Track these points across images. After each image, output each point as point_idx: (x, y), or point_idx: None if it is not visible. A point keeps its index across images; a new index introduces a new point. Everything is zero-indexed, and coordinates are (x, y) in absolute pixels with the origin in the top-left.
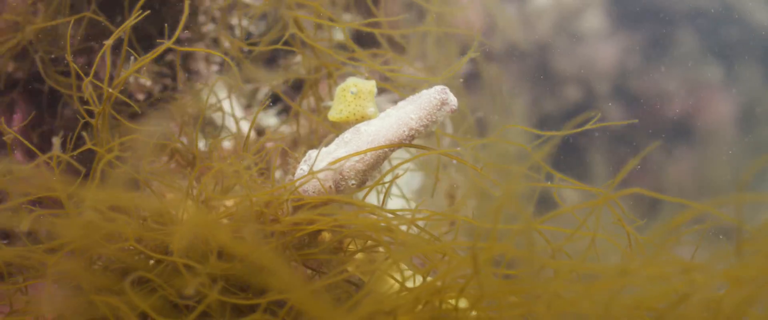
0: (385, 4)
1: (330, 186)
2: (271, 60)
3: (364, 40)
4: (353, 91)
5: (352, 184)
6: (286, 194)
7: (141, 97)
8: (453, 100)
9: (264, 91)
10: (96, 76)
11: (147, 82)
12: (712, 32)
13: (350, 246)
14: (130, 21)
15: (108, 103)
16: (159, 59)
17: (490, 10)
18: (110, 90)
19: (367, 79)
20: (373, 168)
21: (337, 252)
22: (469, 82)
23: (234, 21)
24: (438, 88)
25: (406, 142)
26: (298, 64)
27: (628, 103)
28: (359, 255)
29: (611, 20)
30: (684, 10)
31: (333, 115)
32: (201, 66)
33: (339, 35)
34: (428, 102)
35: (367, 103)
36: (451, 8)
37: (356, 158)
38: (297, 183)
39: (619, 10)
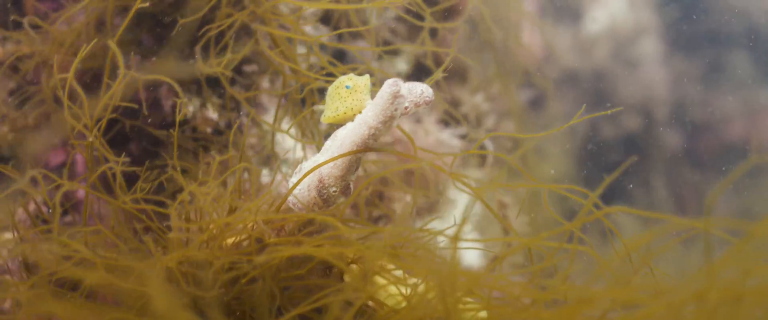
0: (443, 36)
1: (315, 196)
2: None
3: (425, 70)
4: (349, 86)
5: (334, 191)
6: (274, 208)
7: (208, 129)
8: (417, 91)
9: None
10: (160, 108)
11: (214, 114)
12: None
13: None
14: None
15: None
16: (223, 92)
17: (547, 37)
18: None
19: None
20: (350, 172)
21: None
22: (534, 107)
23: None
24: (389, 81)
25: (369, 141)
26: None
27: (686, 128)
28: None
29: (666, 45)
30: (739, 32)
31: (328, 115)
32: (264, 98)
33: (402, 65)
34: (380, 98)
35: (364, 96)
36: (511, 34)
37: (331, 165)
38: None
39: (674, 35)
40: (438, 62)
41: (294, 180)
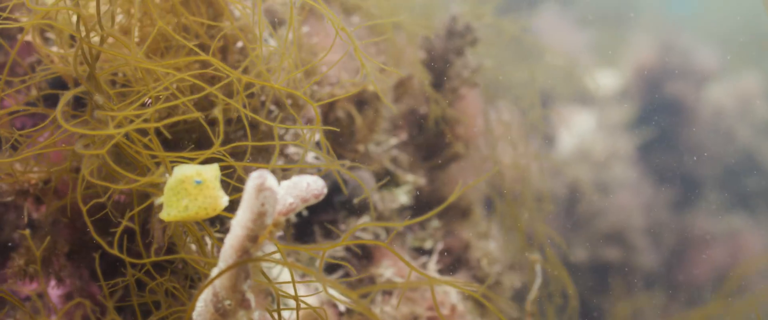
0: (448, 168)
1: (212, 312)
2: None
3: (427, 204)
4: (198, 181)
5: (229, 304)
6: None
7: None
8: (302, 185)
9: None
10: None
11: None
12: (735, 182)
13: None
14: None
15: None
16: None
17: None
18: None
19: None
20: (240, 281)
21: None
22: None
23: None
24: (252, 174)
25: (247, 243)
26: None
27: (662, 254)
28: None
29: (639, 172)
30: (707, 162)
31: (172, 214)
32: None
33: (403, 198)
34: (246, 194)
35: (216, 192)
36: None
37: (218, 280)
38: None
39: (646, 164)
40: (434, 194)
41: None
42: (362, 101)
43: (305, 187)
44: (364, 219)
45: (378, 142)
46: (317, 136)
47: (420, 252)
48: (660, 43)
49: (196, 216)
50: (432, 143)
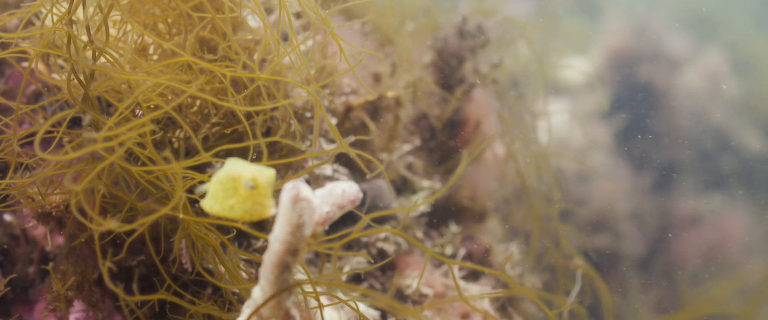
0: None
1: None
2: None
3: (444, 209)
4: (250, 186)
5: None
6: None
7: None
8: (337, 192)
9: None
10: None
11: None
12: (710, 164)
13: None
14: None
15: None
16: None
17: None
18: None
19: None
20: (283, 299)
21: None
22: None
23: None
24: (286, 186)
25: (287, 258)
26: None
27: (646, 239)
28: None
29: (617, 159)
30: (683, 146)
31: (216, 208)
32: None
33: (421, 206)
34: (282, 207)
35: (267, 200)
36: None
37: (262, 295)
38: None
39: (623, 151)
40: (450, 199)
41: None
42: (377, 108)
43: (340, 194)
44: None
45: (392, 150)
46: (332, 146)
47: (439, 261)
48: (631, 28)
49: (240, 218)
50: (445, 147)
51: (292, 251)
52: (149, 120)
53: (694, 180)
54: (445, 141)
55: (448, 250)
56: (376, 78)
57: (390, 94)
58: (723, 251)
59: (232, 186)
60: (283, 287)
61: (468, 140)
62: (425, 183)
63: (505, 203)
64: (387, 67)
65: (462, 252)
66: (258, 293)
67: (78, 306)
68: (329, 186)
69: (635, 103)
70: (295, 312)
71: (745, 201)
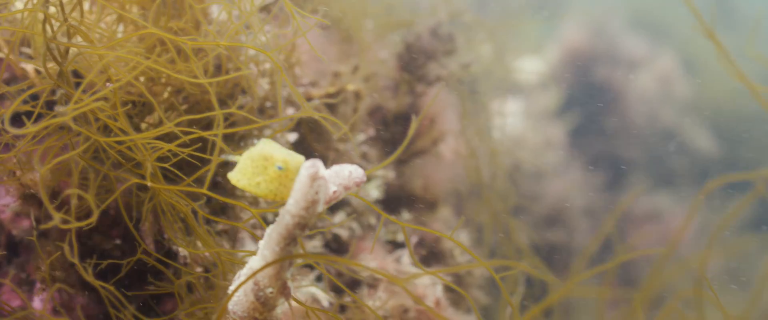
0: (414, 161)
1: (253, 300)
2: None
3: (398, 198)
4: (280, 168)
5: (271, 292)
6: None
7: (199, 270)
8: (344, 173)
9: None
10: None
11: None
12: (661, 162)
13: None
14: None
15: None
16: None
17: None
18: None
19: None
20: (284, 269)
21: None
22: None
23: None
24: (305, 163)
25: (295, 231)
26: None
27: (598, 236)
28: None
29: (570, 158)
30: (635, 144)
31: (242, 182)
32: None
33: (374, 192)
34: (299, 182)
35: (292, 184)
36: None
37: (263, 264)
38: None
39: (576, 149)
40: (403, 188)
41: (232, 287)
42: (337, 100)
43: (347, 175)
44: (340, 215)
45: (347, 139)
46: (292, 138)
47: (394, 245)
48: (590, 29)
49: (264, 196)
50: (398, 138)
51: (302, 225)
52: (117, 90)
53: (645, 178)
54: (399, 132)
55: (401, 237)
56: (335, 75)
57: (350, 87)
58: (671, 247)
59: (263, 165)
60: (282, 255)
61: (422, 133)
62: (379, 172)
63: (456, 195)
64: (348, 65)
65: (414, 239)
66: (257, 262)
67: (41, 286)
68: (336, 167)
69: (590, 103)
70: (290, 283)
71: (694, 198)
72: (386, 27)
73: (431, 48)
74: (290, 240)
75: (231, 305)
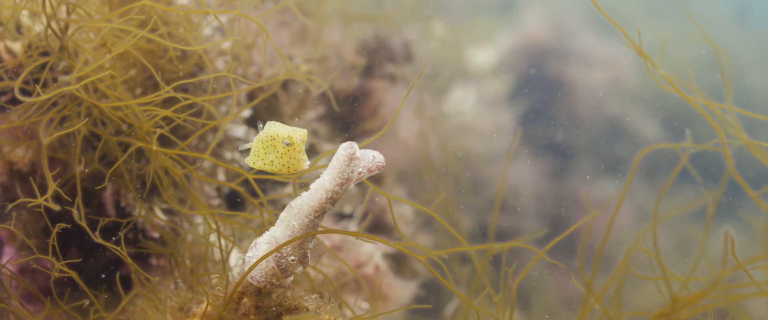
0: (363, 139)
1: (273, 266)
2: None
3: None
4: (287, 143)
5: (293, 260)
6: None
7: (156, 234)
8: (369, 157)
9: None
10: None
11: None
12: (607, 150)
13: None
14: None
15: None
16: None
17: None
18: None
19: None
20: (308, 239)
21: None
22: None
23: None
24: (344, 144)
25: (327, 205)
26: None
27: (545, 221)
28: None
29: (519, 144)
30: (583, 132)
31: (258, 163)
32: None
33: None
34: (337, 160)
35: (301, 155)
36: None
37: (289, 233)
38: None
39: (525, 135)
40: None
41: (251, 254)
42: (289, 80)
43: (371, 159)
44: (288, 189)
45: (299, 116)
46: (247, 113)
47: (341, 216)
48: (545, 21)
49: (279, 171)
50: (347, 117)
51: (333, 200)
52: (113, 59)
53: (592, 165)
54: (347, 112)
55: (347, 209)
56: (290, 57)
57: (303, 67)
58: (616, 232)
59: (271, 144)
60: (313, 229)
61: (371, 113)
62: (328, 147)
63: (405, 174)
64: (302, 48)
65: (358, 209)
66: (280, 231)
67: (9, 250)
68: (360, 151)
69: (541, 91)
70: (310, 254)
71: (638, 185)
72: (346, 17)
73: (390, 51)
74: (321, 212)
75: (253, 272)
